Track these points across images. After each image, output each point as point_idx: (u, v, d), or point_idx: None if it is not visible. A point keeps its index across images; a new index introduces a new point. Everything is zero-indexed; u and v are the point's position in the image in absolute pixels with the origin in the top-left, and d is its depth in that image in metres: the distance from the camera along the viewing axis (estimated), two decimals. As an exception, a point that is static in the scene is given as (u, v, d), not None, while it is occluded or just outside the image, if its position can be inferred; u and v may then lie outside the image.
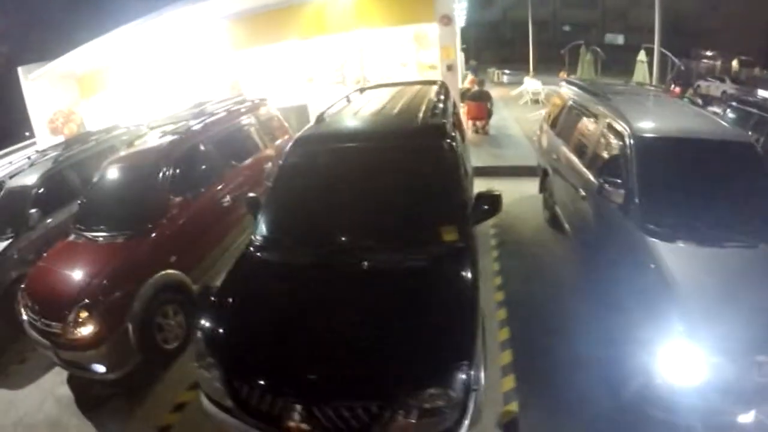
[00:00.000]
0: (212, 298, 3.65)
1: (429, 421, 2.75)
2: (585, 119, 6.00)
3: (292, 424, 2.83)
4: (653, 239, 3.81)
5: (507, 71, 24.95)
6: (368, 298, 3.26)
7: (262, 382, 2.95)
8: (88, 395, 5.13)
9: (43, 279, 5.17)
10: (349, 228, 3.79)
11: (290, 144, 4.73)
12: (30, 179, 7.14)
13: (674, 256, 3.63)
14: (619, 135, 4.73)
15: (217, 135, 7.01)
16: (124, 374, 4.82)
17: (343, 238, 3.74)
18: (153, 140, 6.64)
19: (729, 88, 17.29)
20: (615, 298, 4.08)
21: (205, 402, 3.28)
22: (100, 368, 4.71)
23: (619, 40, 21.52)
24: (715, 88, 18.83)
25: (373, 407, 2.74)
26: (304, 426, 2.81)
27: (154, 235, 5.38)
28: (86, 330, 4.55)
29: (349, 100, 6.20)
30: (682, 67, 16.09)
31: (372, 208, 3.89)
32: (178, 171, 5.95)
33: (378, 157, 4.22)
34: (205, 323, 3.38)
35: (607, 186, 4.33)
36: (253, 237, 4.12)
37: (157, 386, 5.04)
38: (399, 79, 12.84)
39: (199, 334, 3.36)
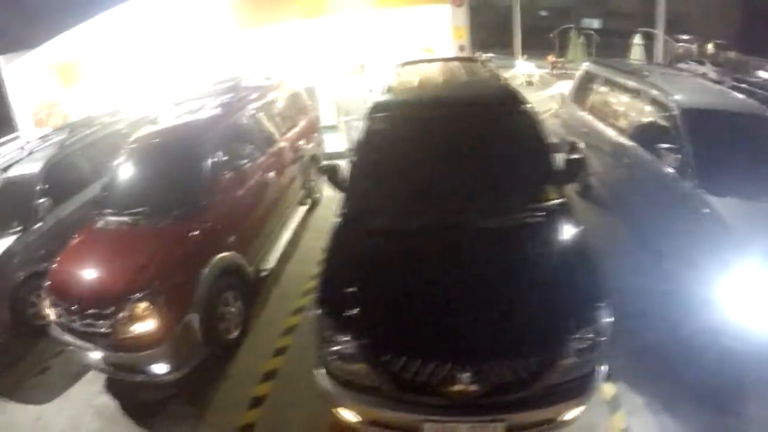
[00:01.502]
0: (326, 273, 3.34)
1: (582, 363, 2.77)
2: (621, 95, 6.25)
3: (457, 388, 2.67)
4: (708, 195, 4.25)
5: (491, 55, 24.42)
6: (495, 256, 3.17)
7: (419, 352, 2.73)
8: (135, 403, 4.42)
9: (75, 273, 4.40)
10: (460, 191, 3.64)
11: (371, 112, 4.37)
12: (34, 167, 6.20)
13: (727, 206, 4.12)
14: (665, 107, 5.08)
15: (260, 108, 6.38)
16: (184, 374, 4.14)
17: (456, 201, 3.57)
18: (191, 115, 5.85)
19: (709, 71, 17.31)
20: (673, 250, 4.55)
21: (332, 387, 2.97)
22: (162, 369, 4.01)
23: (595, 24, 21.13)
24: (694, 70, 18.87)
25: (533, 359, 2.70)
26: (471, 388, 2.67)
27: (210, 213, 4.66)
28: (145, 326, 3.85)
29: (399, 74, 5.74)
30: (680, 50, 15.79)
31: (477, 171, 3.79)
32: (228, 143, 5.27)
33: (468, 121, 4.09)
34: (326, 299, 3.09)
35: (662, 152, 4.70)
36: (348, 206, 3.82)
37: (223, 383, 4.38)
38: (396, 61, 12.35)
39: (321, 311, 3.02)
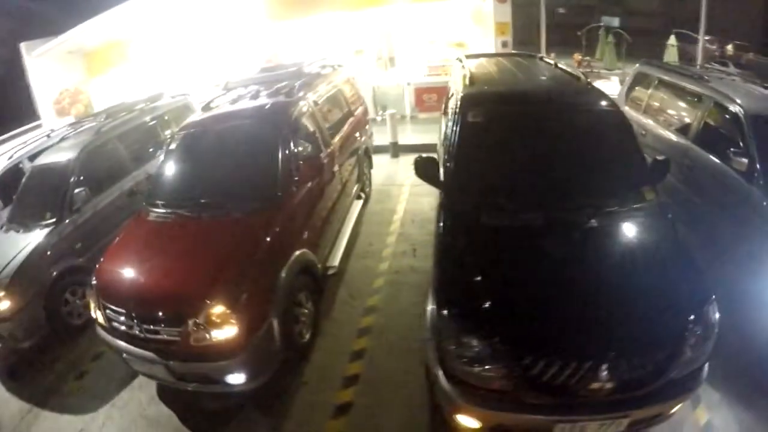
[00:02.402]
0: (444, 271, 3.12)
1: (695, 358, 2.70)
2: (680, 98, 6.04)
3: (593, 386, 2.56)
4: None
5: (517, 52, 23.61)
6: (607, 253, 3.12)
7: (555, 352, 2.56)
8: (195, 413, 3.84)
9: (131, 272, 3.82)
10: (566, 187, 3.49)
11: (465, 105, 4.08)
12: (68, 154, 5.61)
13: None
14: (730, 112, 4.90)
15: (326, 95, 5.81)
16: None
17: (564, 198, 3.42)
18: (253, 100, 5.19)
19: (734, 73, 16.67)
20: (736, 252, 4.41)
21: (453, 390, 2.71)
22: (239, 379, 3.44)
23: (615, 23, 20.33)
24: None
25: (659, 355, 2.62)
26: (607, 386, 2.57)
27: (287, 205, 4.09)
28: (223, 333, 3.28)
29: (467, 67, 5.23)
30: (717, 53, 15.07)
31: (580, 168, 3.65)
32: (301, 130, 4.70)
33: (567, 118, 3.95)
34: (450, 300, 2.84)
35: (729, 156, 4.53)
36: (452, 202, 3.55)
37: (299, 390, 3.88)
38: (427, 56, 11.79)
39: (446, 312, 2.77)
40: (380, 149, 8.59)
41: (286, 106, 4.78)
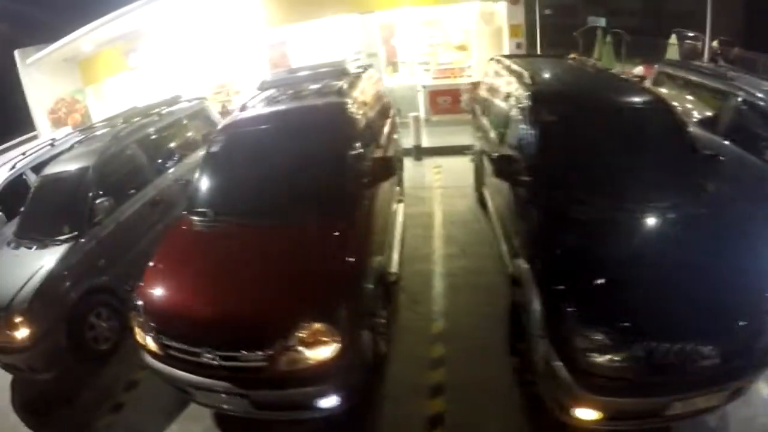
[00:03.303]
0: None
1: None
2: (704, 96, 5.92)
3: (703, 363, 2.54)
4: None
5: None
6: (694, 240, 3.12)
7: (673, 335, 2.55)
8: None
9: (192, 289, 3.24)
10: (649, 180, 3.49)
11: (537, 103, 3.93)
12: (85, 161, 4.91)
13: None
14: (758, 108, 4.85)
15: (370, 95, 5.38)
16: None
17: (648, 192, 3.42)
18: (298, 99, 4.72)
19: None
20: None
21: (574, 381, 2.58)
22: (331, 402, 2.93)
23: (601, 22, 20.04)
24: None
25: (752, 329, 2.68)
26: (715, 361, 2.55)
27: (358, 210, 3.63)
28: (323, 352, 2.79)
29: (512, 66, 5.08)
30: (718, 51, 14.86)
31: (657, 161, 3.65)
32: (360, 131, 4.24)
33: (636, 115, 3.90)
34: (564, 295, 2.75)
35: (763, 148, 4.50)
36: (543, 197, 3.42)
37: (383, 404, 3.46)
38: (431, 59, 11.35)
39: (566, 308, 2.68)
40: (405, 152, 8.04)
41: (344, 106, 4.31)
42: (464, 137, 8.90)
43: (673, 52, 15.52)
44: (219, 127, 4.51)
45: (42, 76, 11.92)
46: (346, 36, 10.85)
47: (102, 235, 4.62)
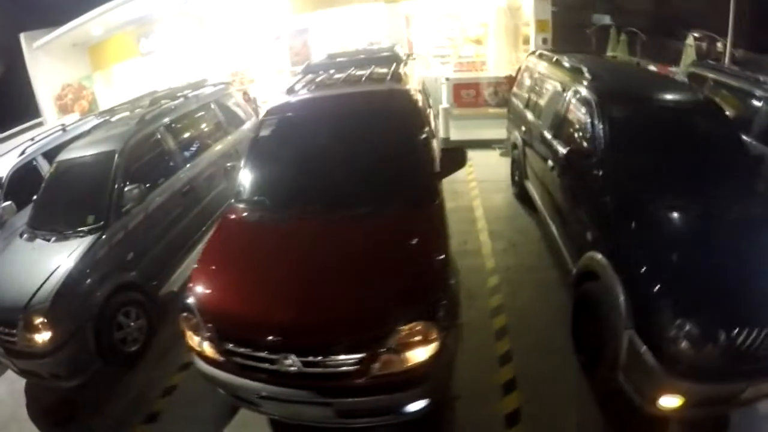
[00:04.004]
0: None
1: None
2: (738, 98, 5.73)
3: None
4: None
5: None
6: (758, 231, 3.07)
7: (750, 322, 2.53)
8: None
9: (260, 288, 2.76)
10: (709, 180, 3.42)
11: (599, 99, 3.83)
12: (109, 145, 4.36)
13: None
14: None
15: (419, 82, 5.10)
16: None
17: (714, 187, 3.37)
18: (351, 84, 4.25)
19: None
20: None
21: (661, 368, 2.52)
22: (419, 405, 2.59)
23: (606, 20, 19.68)
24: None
25: None
26: None
27: (439, 203, 3.25)
28: (422, 353, 2.46)
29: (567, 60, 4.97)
30: (736, 54, 14.45)
31: (713, 155, 3.63)
32: (424, 118, 3.93)
33: (685, 110, 3.92)
34: (655, 287, 2.65)
35: None
36: (617, 189, 3.35)
37: (453, 404, 3.16)
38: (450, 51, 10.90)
39: (657, 299, 2.60)
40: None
41: (408, 93, 3.95)
42: (490, 131, 8.48)
43: (689, 54, 15.14)
44: (268, 110, 4.00)
45: (49, 61, 11.22)
46: (367, 25, 10.32)
47: (130, 227, 4.09)
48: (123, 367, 3.89)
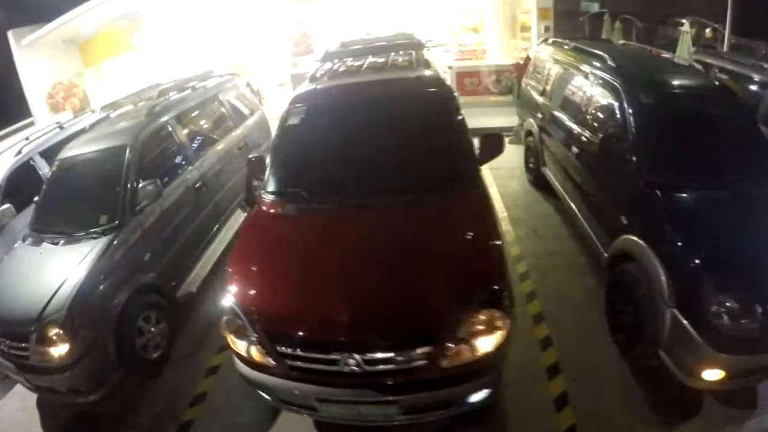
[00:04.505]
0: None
1: None
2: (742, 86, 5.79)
3: None
4: None
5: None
6: None
7: None
8: None
9: (314, 284, 2.50)
10: (733, 163, 3.44)
11: (629, 87, 3.79)
12: (118, 140, 3.99)
13: None
14: None
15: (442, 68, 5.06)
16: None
17: (737, 173, 3.34)
18: (378, 71, 4.00)
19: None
20: None
21: (708, 347, 2.56)
22: (480, 395, 2.46)
23: (594, 8, 19.40)
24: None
25: None
26: None
27: (481, 186, 3.12)
28: (490, 342, 2.34)
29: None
30: (733, 40, 14.37)
31: (737, 148, 3.58)
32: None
33: (713, 104, 3.88)
34: (698, 266, 2.70)
35: None
36: (662, 173, 3.28)
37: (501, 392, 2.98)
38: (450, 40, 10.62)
39: (700, 277, 2.63)
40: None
41: (441, 79, 3.85)
42: (496, 119, 8.26)
43: (686, 41, 14.93)
44: (295, 97, 3.72)
45: (39, 58, 10.63)
46: (367, 15, 9.97)
47: (146, 225, 3.75)
48: (145, 375, 3.58)
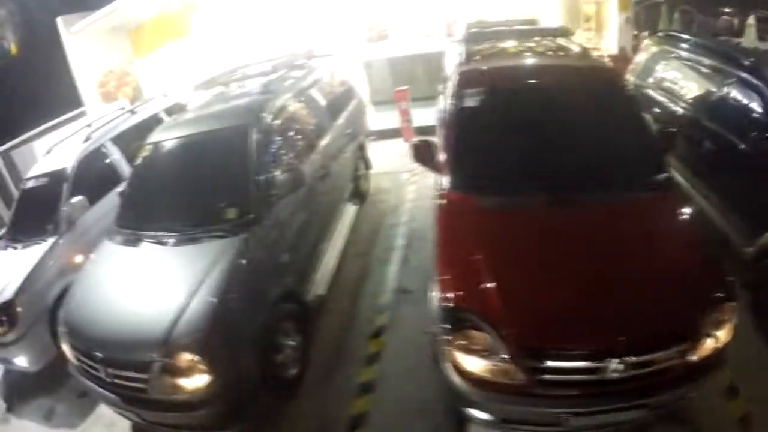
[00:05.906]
0: None
1: None
2: None
3: None
4: None
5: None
6: None
7: None
8: None
9: (564, 287, 2.14)
10: None
11: None
12: (234, 119, 3.17)
13: None
14: None
15: None
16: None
17: None
18: (539, 57, 3.61)
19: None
20: None
21: None
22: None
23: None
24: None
25: None
26: None
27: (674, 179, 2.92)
28: (724, 336, 2.14)
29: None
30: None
31: None
32: None
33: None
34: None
35: None
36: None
37: None
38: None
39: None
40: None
41: (613, 68, 3.70)
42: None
43: (750, 33, 13.80)
44: (463, 79, 3.18)
45: (88, 47, 9.82)
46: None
47: (282, 219, 2.94)
48: (283, 397, 2.81)
